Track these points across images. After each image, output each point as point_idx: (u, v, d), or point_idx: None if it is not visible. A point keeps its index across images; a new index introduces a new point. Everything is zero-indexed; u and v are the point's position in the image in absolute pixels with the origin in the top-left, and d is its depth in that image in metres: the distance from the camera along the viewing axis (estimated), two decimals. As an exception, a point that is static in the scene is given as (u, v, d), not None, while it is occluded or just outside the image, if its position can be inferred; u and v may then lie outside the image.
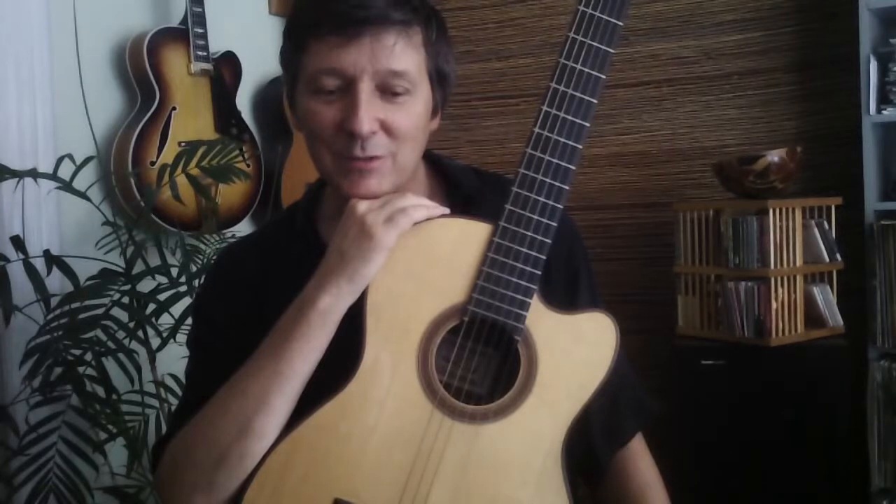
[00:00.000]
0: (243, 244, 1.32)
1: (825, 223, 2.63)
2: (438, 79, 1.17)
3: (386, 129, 1.10)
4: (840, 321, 2.61)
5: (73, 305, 1.97)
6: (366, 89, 1.09)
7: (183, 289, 2.06)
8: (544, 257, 1.07)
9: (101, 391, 2.02)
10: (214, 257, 2.22)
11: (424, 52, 1.13)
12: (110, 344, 1.97)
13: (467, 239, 1.08)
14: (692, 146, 3.06)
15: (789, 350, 2.50)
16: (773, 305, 2.48)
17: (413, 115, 1.12)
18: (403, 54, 1.10)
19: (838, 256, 2.63)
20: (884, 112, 2.57)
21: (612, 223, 3.15)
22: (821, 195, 2.71)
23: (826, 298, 2.60)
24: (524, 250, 1.06)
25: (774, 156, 2.54)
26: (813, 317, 2.59)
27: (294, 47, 1.14)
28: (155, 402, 2.14)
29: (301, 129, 1.18)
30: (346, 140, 1.10)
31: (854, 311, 2.62)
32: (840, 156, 2.82)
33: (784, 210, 2.52)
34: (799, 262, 2.54)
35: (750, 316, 2.51)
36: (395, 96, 1.11)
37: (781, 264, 2.50)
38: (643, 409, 1.32)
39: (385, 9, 1.08)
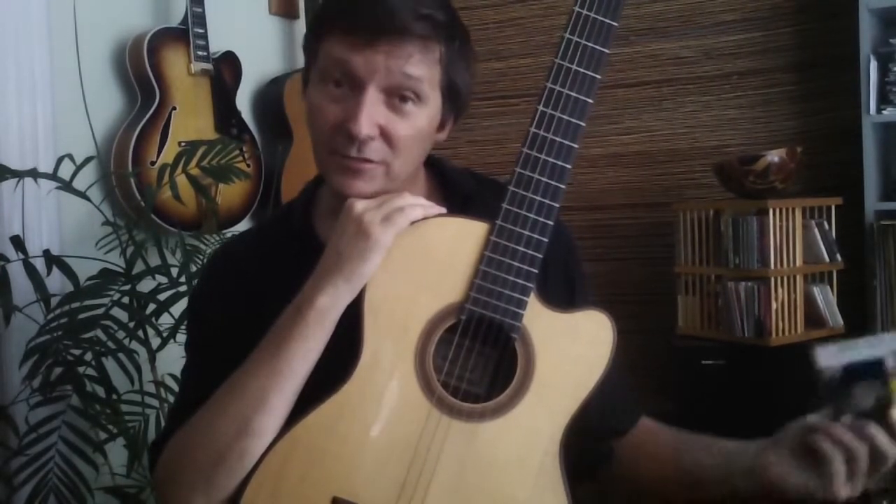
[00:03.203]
0: (238, 243, 1.32)
1: (825, 223, 2.63)
2: (451, 94, 1.17)
3: (385, 136, 1.10)
4: (840, 321, 2.61)
5: (73, 305, 1.98)
6: (371, 93, 1.09)
7: (183, 289, 2.06)
8: (541, 256, 1.07)
9: (101, 391, 2.02)
10: (209, 255, 2.23)
11: (439, 68, 1.13)
12: (110, 344, 1.97)
13: (464, 238, 1.08)
14: (692, 146, 3.06)
15: (789, 350, 2.50)
16: (773, 305, 2.48)
17: (415, 126, 1.12)
18: (416, 67, 1.10)
19: (838, 256, 2.63)
20: (884, 112, 2.57)
21: (612, 223, 3.15)
22: (821, 195, 2.71)
23: (826, 298, 2.60)
24: (521, 249, 1.07)
25: (774, 156, 2.55)
26: (813, 317, 2.59)
27: (315, 35, 1.15)
28: (155, 402, 2.14)
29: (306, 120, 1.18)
30: (344, 139, 1.10)
31: (854, 311, 2.62)
32: (840, 156, 2.82)
33: (784, 210, 2.52)
34: (799, 262, 2.54)
35: (750, 316, 2.51)
36: (403, 103, 1.11)
37: (781, 264, 2.51)
38: (632, 406, 1.32)
39: (408, 21, 1.08)
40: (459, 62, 1.16)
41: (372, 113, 1.09)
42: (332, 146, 1.12)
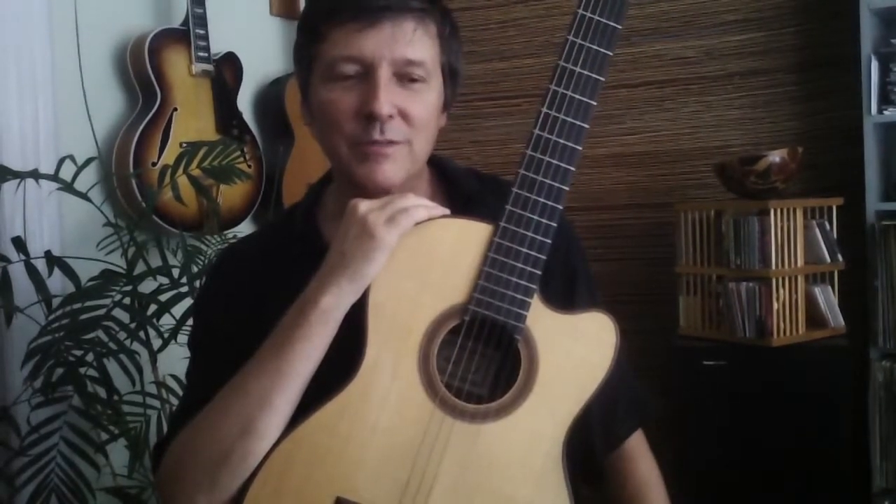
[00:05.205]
0: (244, 244, 1.33)
1: (826, 223, 2.63)
2: (450, 74, 1.20)
3: (403, 115, 1.13)
4: (841, 321, 2.61)
5: (75, 306, 1.98)
6: (385, 75, 1.11)
7: (184, 290, 2.06)
8: (544, 257, 1.07)
9: (102, 392, 2.01)
10: (214, 258, 2.22)
11: (439, 44, 1.17)
12: (112, 345, 1.97)
13: (468, 239, 1.08)
14: (694, 146, 3.05)
15: (791, 350, 2.50)
16: (775, 306, 2.48)
17: (428, 103, 1.15)
18: (421, 42, 1.13)
19: (839, 257, 2.63)
20: (885, 112, 2.57)
21: (613, 223, 3.15)
22: (822, 195, 2.71)
23: (827, 299, 2.60)
24: (524, 250, 1.07)
25: (776, 156, 2.54)
26: (814, 317, 2.59)
27: (310, 37, 1.16)
28: (156, 403, 2.14)
29: (314, 123, 1.19)
30: (365, 125, 1.12)
31: (855, 311, 2.62)
32: (841, 156, 2.82)
33: (785, 210, 2.52)
34: (800, 263, 2.54)
35: (751, 316, 2.51)
36: (412, 83, 1.14)
37: (783, 265, 2.50)
38: (640, 409, 1.32)
39: None
40: (453, 41, 1.20)
41: (388, 92, 1.11)
42: (353, 136, 1.13)
